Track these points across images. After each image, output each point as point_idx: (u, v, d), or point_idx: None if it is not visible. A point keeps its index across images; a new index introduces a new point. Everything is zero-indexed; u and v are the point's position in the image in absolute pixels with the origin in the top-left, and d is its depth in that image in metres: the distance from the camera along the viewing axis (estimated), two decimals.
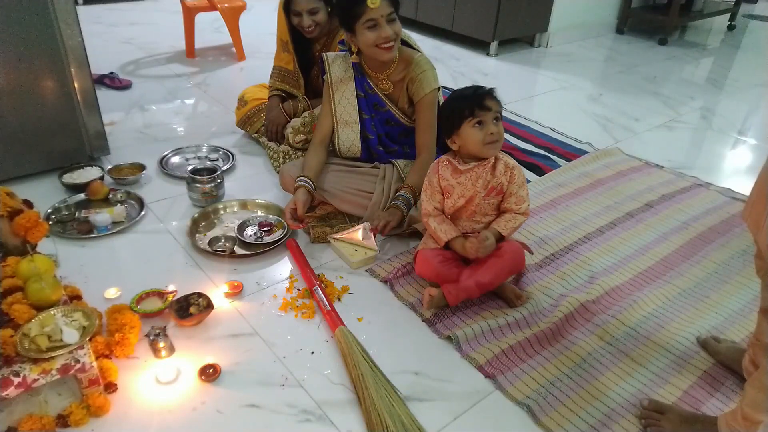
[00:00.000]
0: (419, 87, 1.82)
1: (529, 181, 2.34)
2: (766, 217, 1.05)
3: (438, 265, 1.58)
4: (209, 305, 1.52)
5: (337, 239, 1.82)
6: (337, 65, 1.89)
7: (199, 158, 2.41)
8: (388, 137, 1.99)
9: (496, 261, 1.57)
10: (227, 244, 1.84)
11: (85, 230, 1.86)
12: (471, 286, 1.55)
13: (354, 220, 1.95)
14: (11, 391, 1.14)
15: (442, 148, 1.63)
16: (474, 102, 1.50)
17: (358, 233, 1.79)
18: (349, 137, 1.94)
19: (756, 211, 1.09)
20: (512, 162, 1.59)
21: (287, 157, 2.27)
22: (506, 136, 2.74)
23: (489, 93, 1.52)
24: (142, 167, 2.20)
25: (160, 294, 1.59)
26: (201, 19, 3.70)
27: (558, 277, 1.78)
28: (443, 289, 1.56)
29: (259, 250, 1.80)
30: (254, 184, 2.22)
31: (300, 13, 2.14)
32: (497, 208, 1.61)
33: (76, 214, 1.94)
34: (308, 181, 1.83)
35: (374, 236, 1.79)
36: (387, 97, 1.90)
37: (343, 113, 1.91)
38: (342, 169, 1.97)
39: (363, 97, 1.90)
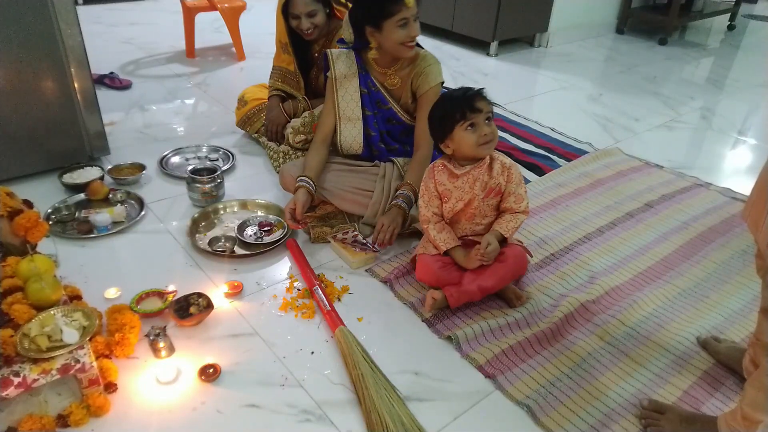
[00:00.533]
0: (424, 80, 1.83)
1: (529, 181, 2.34)
2: (766, 217, 1.05)
3: (438, 271, 1.58)
4: (209, 305, 1.52)
5: (337, 241, 1.82)
6: (341, 61, 1.89)
7: (199, 158, 2.41)
8: (389, 135, 2.00)
9: (499, 266, 1.57)
10: (227, 244, 1.84)
11: (85, 230, 1.86)
12: (473, 290, 1.56)
13: (354, 219, 1.95)
14: (11, 391, 1.14)
15: (439, 150, 1.62)
16: (464, 105, 1.49)
17: (354, 249, 1.79)
18: (351, 133, 1.94)
19: (756, 210, 1.09)
20: (508, 161, 1.59)
21: (287, 157, 2.27)
22: (506, 136, 2.75)
23: (478, 94, 1.51)
24: (142, 167, 2.20)
25: (160, 294, 1.59)
26: (201, 19, 3.70)
27: (558, 277, 1.78)
28: (445, 291, 1.56)
29: (259, 250, 1.80)
30: (254, 184, 2.22)
31: (298, 16, 2.13)
32: (496, 208, 1.61)
33: (76, 214, 1.94)
34: (309, 181, 1.83)
35: (377, 247, 1.78)
36: (390, 94, 1.91)
37: (346, 109, 1.91)
38: (342, 168, 1.97)
39: (366, 93, 1.91)
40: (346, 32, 1.87)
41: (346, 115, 1.92)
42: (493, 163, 1.57)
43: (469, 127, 1.49)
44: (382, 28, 1.72)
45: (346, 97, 1.90)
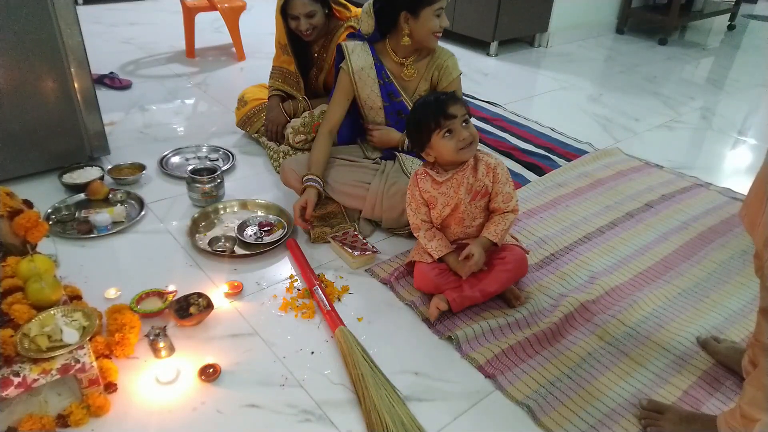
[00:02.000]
0: (446, 72, 1.90)
1: (529, 181, 2.34)
2: (763, 216, 1.05)
3: (435, 278, 1.58)
4: (209, 305, 1.52)
5: (337, 241, 1.82)
6: (356, 54, 1.91)
7: (199, 158, 2.41)
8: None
9: (500, 271, 1.56)
10: (227, 244, 1.84)
11: (85, 230, 1.86)
12: (476, 295, 1.56)
13: (354, 219, 1.95)
14: (11, 391, 1.14)
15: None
16: (438, 112, 1.48)
17: (353, 252, 1.78)
18: (376, 120, 2.01)
19: (752, 210, 1.09)
20: (493, 161, 1.58)
21: (287, 156, 2.27)
22: (506, 136, 2.75)
23: (451, 98, 1.50)
24: (142, 167, 2.20)
25: (160, 294, 1.59)
26: (201, 19, 3.70)
27: (558, 277, 1.78)
28: (447, 296, 1.55)
29: (259, 250, 1.80)
30: (254, 184, 2.22)
31: (297, 17, 2.13)
32: (486, 209, 1.61)
33: (76, 214, 1.94)
34: (317, 180, 1.84)
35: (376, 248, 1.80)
36: (403, 87, 1.93)
37: (368, 99, 1.96)
38: (344, 164, 1.97)
39: (381, 84, 1.94)
40: (365, 23, 1.89)
41: (368, 104, 1.97)
42: (478, 165, 1.56)
43: (446, 134, 1.49)
44: (419, 15, 1.76)
45: (366, 88, 1.94)
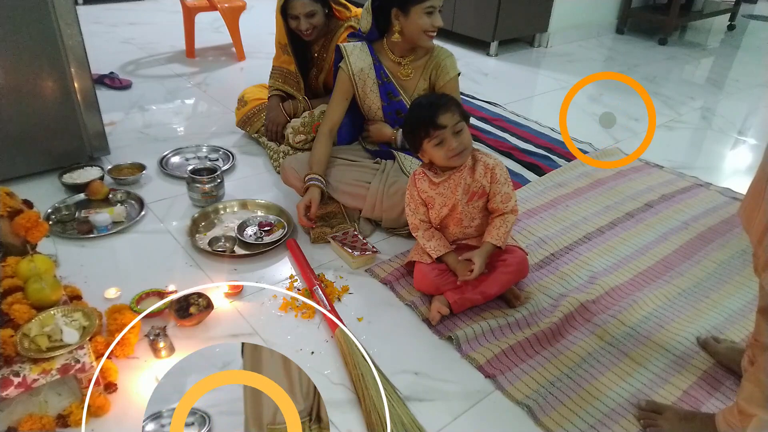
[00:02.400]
0: (443, 71, 1.90)
1: (529, 181, 2.34)
2: (759, 214, 1.05)
3: (435, 279, 1.58)
4: (209, 305, 1.52)
5: (337, 241, 1.82)
6: (355, 56, 1.92)
7: (199, 158, 2.41)
8: None
9: (502, 273, 1.56)
10: (227, 244, 1.84)
11: (85, 230, 1.86)
12: (477, 297, 1.56)
13: (354, 219, 1.95)
14: (11, 391, 1.14)
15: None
16: (428, 122, 1.47)
17: (353, 252, 1.78)
18: (375, 120, 2.03)
19: (750, 208, 1.09)
20: (491, 161, 1.57)
21: (287, 156, 2.27)
22: (506, 136, 2.75)
23: (443, 106, 1.48)
24: (142, 167, 2.20)
25: (160, 294, 1.59)
26: (201, 19, 3.70)
27: (558, 277, 1.78)
28: (448, 298, 1.55)
29: (259, 250, 1.80)
30: (254, 184, 2.22)
31: (297, 17, 2.13)
32: (484, 209, 1.61)
33: (76, 214, 1.94)
34: (320, 180, 1.84)
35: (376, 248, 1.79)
36: (401, 86, 1.93)
37: (367, 99, 1.97)
38: (344, 163, 1.98)
39: (381, 84, 1.94)
40: (364, 20, 1.90)
41: (367, 104, 1.98)
42: (476, 165, 1.56)
43: (437, 144, 1.49)
44: (409, 12, 1.76)
45: (366, 89, 1.95)
